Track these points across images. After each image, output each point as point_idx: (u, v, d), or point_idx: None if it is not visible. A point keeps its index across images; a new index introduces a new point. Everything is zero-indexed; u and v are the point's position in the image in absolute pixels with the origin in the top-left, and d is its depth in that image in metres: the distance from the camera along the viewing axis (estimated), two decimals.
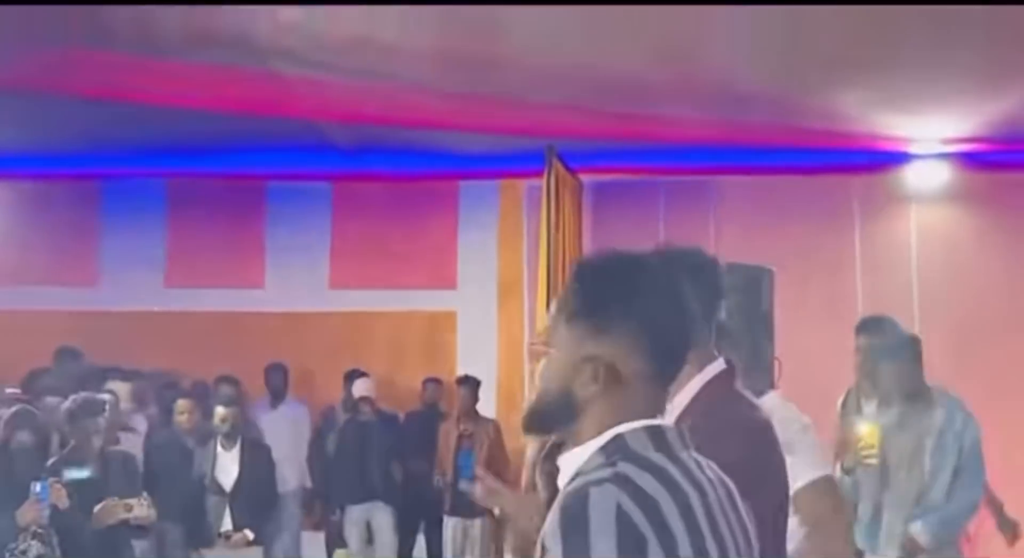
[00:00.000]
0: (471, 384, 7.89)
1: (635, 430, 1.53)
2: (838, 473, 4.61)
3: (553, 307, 1.61)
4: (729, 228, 7.92)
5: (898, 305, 7.03)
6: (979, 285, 7.66)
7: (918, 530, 4.63)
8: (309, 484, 7.94)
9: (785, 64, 5.92)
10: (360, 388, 7.75)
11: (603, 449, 1.52)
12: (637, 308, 1.54)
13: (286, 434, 7.62)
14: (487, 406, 8.39)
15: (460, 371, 8.48)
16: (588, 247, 7.92)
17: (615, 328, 1.53)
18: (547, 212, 6.70)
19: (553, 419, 1.59)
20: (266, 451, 6.34)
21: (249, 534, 5.95)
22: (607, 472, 1.47)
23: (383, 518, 7.60)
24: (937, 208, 7.89)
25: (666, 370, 1.58)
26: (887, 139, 7.26)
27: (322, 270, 8.72)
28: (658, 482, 1.46)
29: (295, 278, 8.64)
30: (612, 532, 1.40)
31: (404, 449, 7.81)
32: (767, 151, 7.46)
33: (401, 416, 8.07)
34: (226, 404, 6.18)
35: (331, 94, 6.52)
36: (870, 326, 5.08)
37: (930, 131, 7.13)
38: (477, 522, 7.55)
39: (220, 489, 5.98)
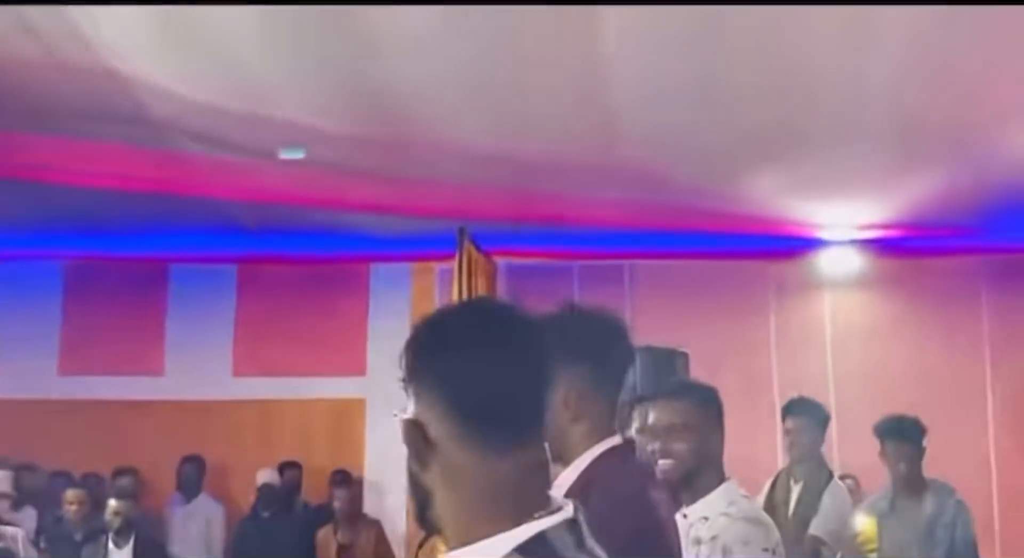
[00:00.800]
0: (348, 482, 7.65)
1: (557, 525, 1.28)
2: None
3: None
4: (644, 311, 7.97)
5: (814, 388, 7.11)
6: (893, 368, 7.80)
7: None
8: None
9: (700, 148, 6.03)
10: (264, 476, 7.60)
11: (522, 552, 1.26)
12: (451, 359, 1.31)
13: (197, 532, 7.38)
14: (398, 511, 8.22)
15: (369, 463, 8.33)
16: None
17: (427, 383, 1.32)
18: (458, 295, 6.68)
19: (419, 509, 1.35)
20: (160, 551, 6.12)
21: None
22: None
23: None
24: (850, 292, 8.05)
25: (497, 440, 1.30)
26: (800, 225, 7.42)
27: (225, 356, 8.54)
28: None
29: (197, 365, 8.44)
30: None
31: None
32: (682, 235, 7.56)
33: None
34: (119, 497, 5.97)
35: (235, 173, 6.47)
36: (797, 408, 5.14)
37: (842, 217, 7.30)
38: None
39: None
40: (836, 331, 8.05)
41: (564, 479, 2.05)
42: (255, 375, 8.42)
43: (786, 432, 5.13)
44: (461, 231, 6.67)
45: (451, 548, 1.32)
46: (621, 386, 2.19)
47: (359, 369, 8.48)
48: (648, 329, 7.74)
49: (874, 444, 7.04)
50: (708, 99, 5.33)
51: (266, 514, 7.26)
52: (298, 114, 5.52)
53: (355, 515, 7.69)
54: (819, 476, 5.08)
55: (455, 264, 6.75)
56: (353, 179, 6.52)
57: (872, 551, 4.73)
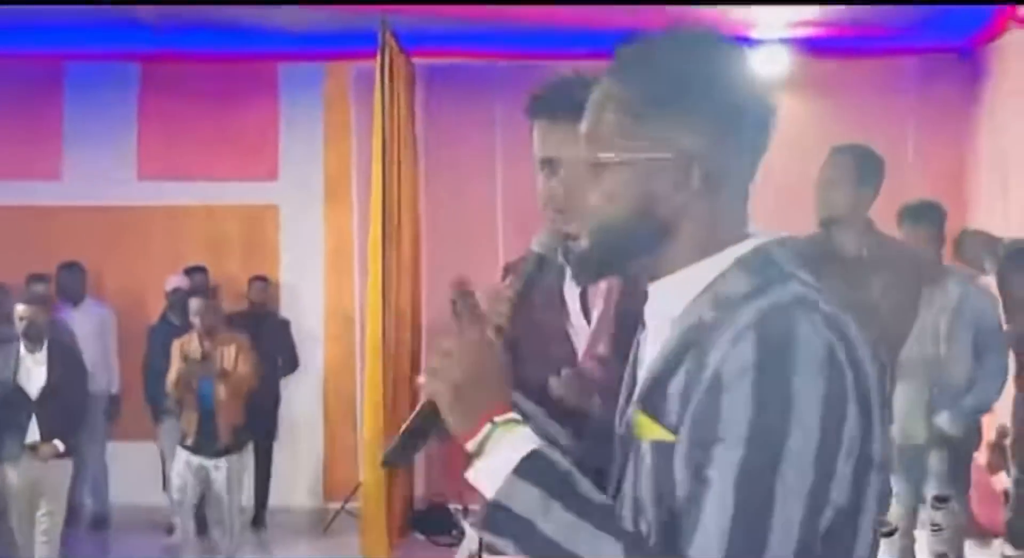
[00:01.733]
0: (266, 285, 7.82)
1: (775, 240, 1.32)
2: None
3: (595, 108, 1.34)
4: None
5: None
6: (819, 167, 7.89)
7: (946, 422, 4.81)
8: (115, 390, 7.71)
9: None
10: (173, 282, 7.57)
11: (743, 264, 1.29)
12: (732, 90, 1.30)
13: (90, 337, 7.34)
14: (314, 314, 8.27)
15: (284, 271, 8.31)
16: (422, 134, 7.81)
17: (706, 115, 1.29)
18: (381, 95, 6.53)
19: (629, 248, 1.32)
20: (76, 355, 6.09)
21: (59, 445, 5.72)
22: (789, 294, 1.23)
23: None
24: (780, 93, 8.05)
25: (753, 162, 1.34)
26: (732, 23, 7.35)
27: (129, 159, 8.31)
28: (840, 312, 1.24)
29: (98, 168, 8.21)
30: (820, 378, 1.17)
31: None
32: (611, 34, 7.43)
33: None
34: (28, 302, 5.87)
35: None
36: None
37: (774, 15, 7.25)
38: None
39: (25, 396, 5.71)
40: None
41: None
42: (161, 178, 8.23)
43: None
44: (383, 24, 6.45)
45: (657, 278, 1.33)
46: None
47: (271, 174, 8.34)
48: None
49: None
50: None
51: (176, 321, 7.24)
52: None
53: (267, 314, 7.81)
54: None
55: (377, 61, 6.56)
56: None
57: None
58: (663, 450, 1.23)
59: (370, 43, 6.91)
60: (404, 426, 1.44)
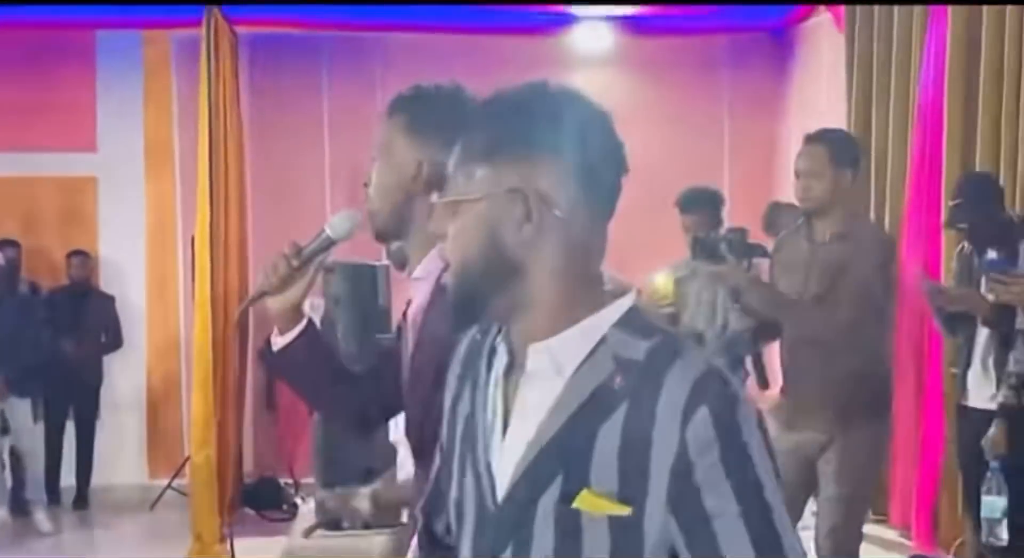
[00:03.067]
0: (85, 259, 7.75)
1: (639, 299, 1.40)
2: None
3: (456, 154, 1.41)
4: (395, 86, 7.95)
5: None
6: (640, 145, 8.17)
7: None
8: None
9: None
10: None
11: (627, 326, 1.36)
12: (561, 130, 1.36)
13: None
14: (136, 289, 8.14)
15: (104, 245, 8.14)
16: (247, 107, 7.75)
17: (537, 151, 1.35)
18: (207, 66, 6.47)
19: (485, 286, 1.37)
20: None
21: None
22: (701, 361, 1.33)
23: (22, 407, 7.24)
24: (602, 70, 8.31)
25: (604, 205, 1.39)
26: (553, 2, 7.54)
27: None
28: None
29: None
30: (758, 433, 1.32)
31: (56, 328, 7.46)
32: (436, 8, 7.53)
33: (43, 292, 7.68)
34: None
35: None
36: None
37: None
38: None
39: None
40: None
41: None
42: None
43: None
44: None
45: (532, 335, 1.37)
46: None
47: (89, 145, 8.15)
48: None
49: (623, 217, 7.47)
50: None
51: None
52: None
53: (89, 290, 7.74)
54: None
55: (202, 31, 6.48)
56: None
57: (668, 305, 5.16)
58: (618, 522, 1.31)
59: (191, 11, 6.82)
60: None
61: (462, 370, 1.50)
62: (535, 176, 1.34)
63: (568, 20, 7.94)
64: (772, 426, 4.34)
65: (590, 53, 8.18)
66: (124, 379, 8.08)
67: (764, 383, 5.24)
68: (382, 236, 2.15)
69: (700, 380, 1.30)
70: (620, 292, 1.39)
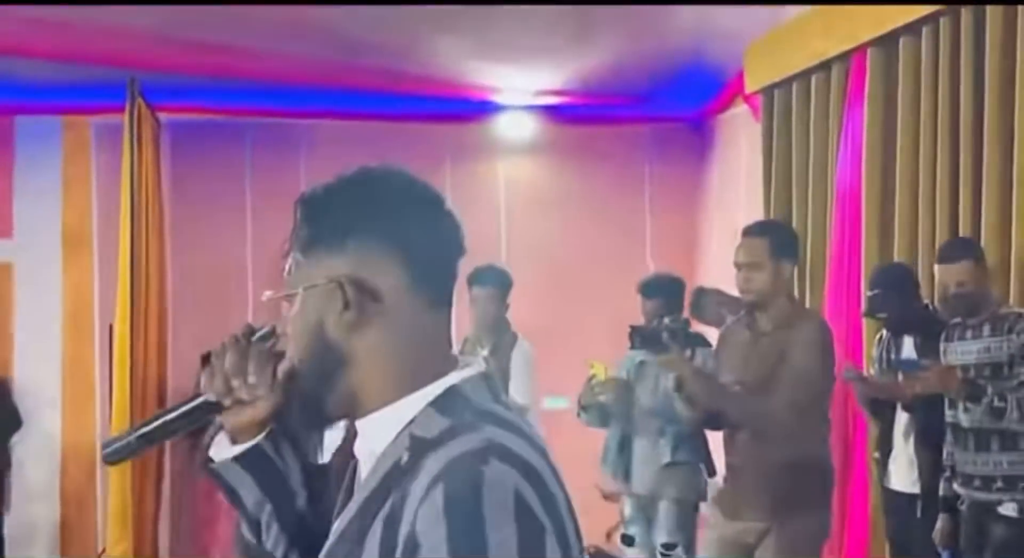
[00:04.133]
0: None
1: (471, 378, 1.33)
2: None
3: (289, 253, 1.39)
4: (319, 174, 7.87)
5: (487, 250, 7.43)
6: (562, 233, 8.21)
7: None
8: None
9: (384, 7, 5.99)
10: None
11: (437, 406, 1.29)
12: (382, 215, 1.33)
13: None
14: (51, 375, 7.89)
15: (19, 330, 7.90)
16: (169, 192, 7.63)
17: (356, 239, 1.32)
18: (130, 152, 6.36)
19: (320, 380, 1.33)
20: None
21: None
22: (477, 440, 1.22)
23: None
24: (524, 158, 8.34)
25: (437, 289, 1.35)
26: (478, 89, 7.57)
27: None
28: (531, 449, 1.25)
29: None
30: (512, 524, 1.16)
31: None
32: (360, 95, 7.52)
33: None
34: None
35: None
36: (483, 276, 5.32)
37: (519, 82, 7.52)
38: None
39: None
40: (510, 197, 8.34)
41: None
42: None
43: (472, 300, 5.33)
44: (132, 81, 6.31)
45: (357, 416, 1.35)
46: None
47: (5, 232, 7.94)
48: None
49: (543, 303, 7.50)
50: None
51: None
52: None
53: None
54: (505, 339, 5.38)
55: (125, 117, 6.39)
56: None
57: (601, 394, 5.10)
58: None
59: (112, 96, 6.72)
60: (160, 419, 1.49)
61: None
62: (354, 264, 1.31)
63: (492, 108, 7.98)
64: (714, 514, 4.29)
65: (514, 141, 8.21)
66: (37, 468, 7.77)
67: (711, 471, 5.21)
68: None
69: (463, 455, 1.19)
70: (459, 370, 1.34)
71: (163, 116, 7.31)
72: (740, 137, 7.54)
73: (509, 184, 8.38)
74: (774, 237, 4.04)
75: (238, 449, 1.49)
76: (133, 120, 6.37)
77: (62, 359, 7.97)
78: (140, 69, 6.43)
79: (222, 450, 1.50)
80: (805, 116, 6.16)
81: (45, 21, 5.96)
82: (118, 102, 6.61)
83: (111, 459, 1.49)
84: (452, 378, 1.32)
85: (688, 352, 4.28)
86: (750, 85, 6.63)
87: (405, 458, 1.25)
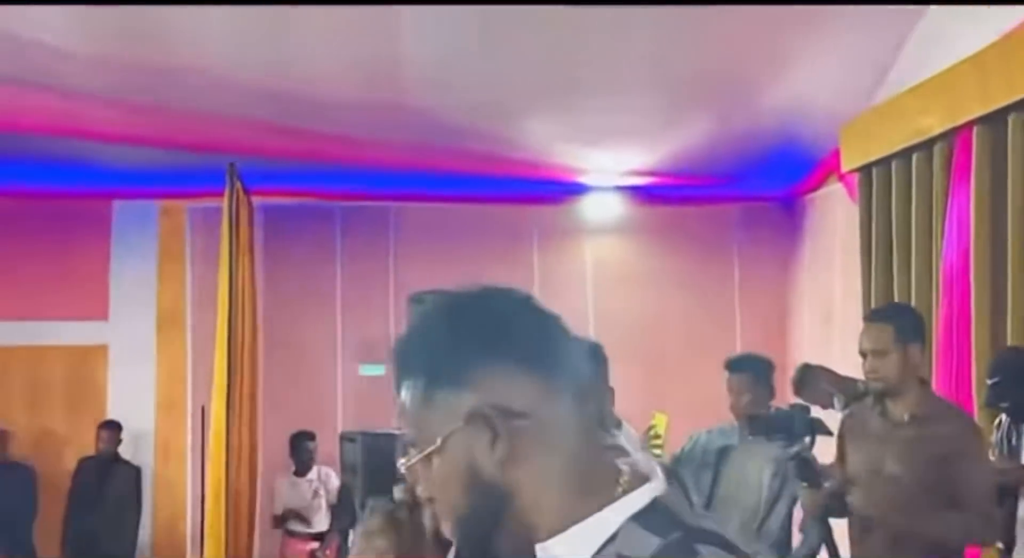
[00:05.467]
0: (115, 428, 7.43)
1: (669, 490, 1.21)
2: None
3: (402, 400, 1.24)
4: (407, 257, 7.89)
5: (574, 331, 7.28)
6: (650, 313, 8.05)
7: None
8: None
9: (474, 92, 5.98)
10: None
11: (641, 521, 1.17)
12: (497, 334, 1.21)
13: None
14: (143, 454, 7.86)
15: (112, 413, 7.90)
16: (262, 274, 7.63)
17: (481, 369, 1.19)
18: (228, 236, 6.36)
19: (485, 526, 1.20)
20: None
21: None
22: None
23: None
24: (612, 238, 8.23)
25: (574, 388, 1.23)
26: (566, 170, 7.50)
27: None
28: None
29: None
30: None
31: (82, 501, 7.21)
32: (448, 178, 7.48)
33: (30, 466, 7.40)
34: None
35: None
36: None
37: (606, 164, 7.43)
38: None
39: None
40: (597, 277, 8.21)
41: None
42: None
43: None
44: (231, 167, 6.32)
45: (537, 540, 1.20)
46: None
47: (101, 314, 7.98)
48: (410, 275, 7.73)
49: (633, 385, 7.32)
50: (486, 46, 5.31)
51: None
52: (41, 31, 5.06)
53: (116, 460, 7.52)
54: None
55: (224, 202, 6.40)
56: (98, 105, 6.05)
57: (657, 447, 4.90)
58: None
59: (206, 181, 6.75)
60: None
61: None
62: (487, 393, 1.18)
63: (580, 189, 7.89)
64: None
65: (601, 221, 8.11)
66: None
67: None
68: None
69: None
70: (639, 481, 1.21)
71: (256, 199, 7.34)
72: (835, 216, 7.34)
73: (597, 264, 8.26)
74: (900, 321, 3.82)
75: None
76: (231, 204, 6.37)
77: (155, 439, 7.95)
78: (235, 154, 6.45)
79: None
80: (906, 195, 5.95)
81: (145, 108, 6.01)
82: (213, 186, 6.63)
83: None
84: (650, 489, 1.19)
85: (807, 439, 4.06)
86: (846, 164, 6.46)
87: None
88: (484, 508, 1.19)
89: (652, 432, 4.98)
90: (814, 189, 7.68)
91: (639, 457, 1.25)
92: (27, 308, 7.78)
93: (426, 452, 1.21)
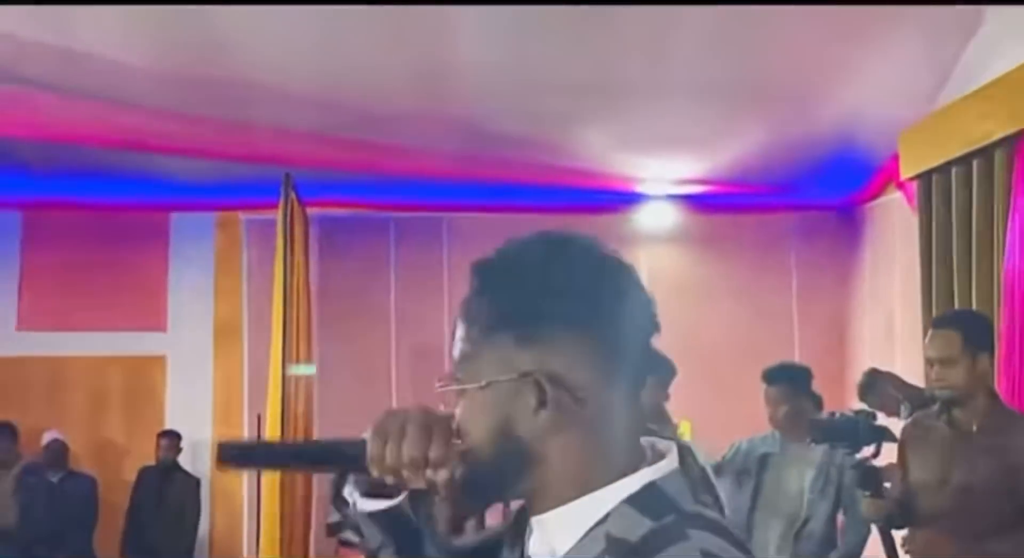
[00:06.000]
0: (174, 438, 7.49)
1: (670, 474, 1.17)
2: None
3: (460, 331, 1.21)
4: (461, 267, 7.86)
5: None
6: (706, 322, 7.97)
7: None
8: None
9: (526, 100, 5.97)
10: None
11: (635, 504, 1.14)
12: (574, 298, 1.15)
13: None
14: (200, 464, 7.93)
15: (169, 423, 7.97)
16: (316, 285, 7.67)
17: (549, 325, 1.14)
18: (283, 247, 6.40)
19: (497, 480, 1.17)
20: None
21: None
22: (691, 549, 1.08)
23: None
24: (667, 247, 8.16)
25: (632, 376, 1.18)
26: (621, 179, 7.45)
27: (9, 309, 7.98)
28: (741, 553, 1.11)
29: None
30: None
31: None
32: (502, 188, 7.48)
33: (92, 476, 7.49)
34: None
35: (27, 109, 5.98)
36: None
37: (662, 172, 7.38)
38: None
39: None
40: (652, 286, 8.05)
41: None
42: (43, 330, 7.89)
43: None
44: (286, 178, 6.37)
45: (534, 512, 1.18)
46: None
47: (160, 325, 8.08)
48: (464, 285, 7.67)
49: (689, 395, 7.24)
50: (538, 53, 5.29)
51: (55, 476, 6.93)
52: (99, 44, 5.12)
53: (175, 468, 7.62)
54: (665, 431, 5.18)
55: (279, 213, 6.45)
56: (155, 118, 6.12)
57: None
58: None
59: (261, 193, 6.81)
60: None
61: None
62: (548, 355, 1.14)
63: (634, 199, 7.84)
64: None
65: (656, 230, 8.05)
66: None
67: None
68: None
69: None
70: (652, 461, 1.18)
71: (311, 210, 7.38)
72: (894, 224, 7.22)
73: (652, 273, 8.18)
74: (968, 328, 3.69)
75: (379, 505, 1.28)
76: (286, 215, 6.42)
77: (212, 448, 8.01)
78: (289, 166, 6.49)
79: (357, 499, 1.30)
80: (967, 202, 5.83)
81: (201, 120, 6.07)
82: (267, 198, 6.67)
83: (226, 457, 1.28)
84: (649, 473, 1.16)
85: (873, 447, 3.97)
86: (905, 171, 6.34)
87: None
88: (502, 462, 1.16)
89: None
90: (873, 197, 7.57)
91: (659, 442, 1.21)
92: (88, 319, 7.90)
93: (471, 387, 1.17)
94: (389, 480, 1.21)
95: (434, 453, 1.16)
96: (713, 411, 7.40)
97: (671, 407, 5.43)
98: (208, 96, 5.72)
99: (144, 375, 8.04)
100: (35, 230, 8.05)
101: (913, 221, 6.46)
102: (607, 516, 1.13)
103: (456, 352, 1.20)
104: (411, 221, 8.04)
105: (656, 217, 7.99)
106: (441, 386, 1.21)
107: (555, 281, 1.15)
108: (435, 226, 8.03)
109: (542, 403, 1.13)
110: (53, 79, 5.53)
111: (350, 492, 1.31)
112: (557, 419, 1.14)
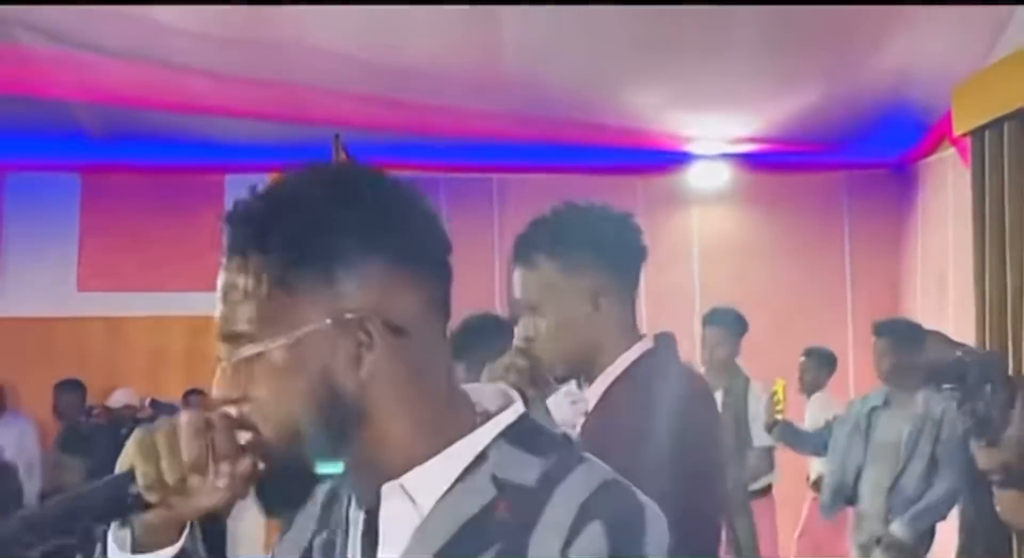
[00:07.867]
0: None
1: (534, 407, 1.13)
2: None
3: (233, 292, 1.11)
4: (512, 227, 7.92)
5: (681, 302, 7.30)
6: (758, 281, 7.98)
7: (898, 530, 4.77)
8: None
9: (576, 61, 5.99)
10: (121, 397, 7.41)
11: (513, 438, 1.07)
12: (363, 229, 1.05)
13: (11, 450, 7.09)
14: None
15: None
16: None
17: (345, 268, 1.04)
18: None
19: (323, 446, 1.05)
20: (11, 470, 5.89)
21: None
22: (603, 471, 1.06)
23: None
24: (719, 206, 8.17)
25: (442, 309, 1.10)
26: (671, 138, 7.46)
27: (69, 271, 8.19)
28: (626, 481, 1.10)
29: (38, 279, 8.06)
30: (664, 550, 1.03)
31: None
32: (552, 148, 7.52)
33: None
34: None
35: (83, 73, 6.12)
36: (716, 318, 5.43)
37: (712, 131, 7.38)
38: None
39: None
40: (704, 246, 8.17)
41: (593, 391, 1.98)
42: (103, 290, 8.09)
43: (704, 341, 5.29)
44: (336, 139, 6.46)
45: (387, 475, 1.06)
46: (637, 283, 2.12)
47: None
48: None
49: (742, 355, 7.29)
50: (589, 12, 5.31)
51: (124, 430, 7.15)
52: (155, 9, 5.23)
53: None
54: (737, 382, 5.29)
55: None
56: (210, 81, 6.24)
57: (779, 412, 5.09)
58: None
59: (314, 154, 6.89)
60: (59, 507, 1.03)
61: (317, 526, 1.15)
62: (365, 290, 1.03)
63: (685, 158, 7.85)
64: None
65: (708, 190, 8.05)
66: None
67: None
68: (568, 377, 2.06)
69: (596, 492, 1.01)
70: (504, 406, 1.10)
71: None
72: (947, 182, 7.18)
73: (704, 233, 8.21)
74: None
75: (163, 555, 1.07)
76: None
77: None
78: (340, 127, 6.57)
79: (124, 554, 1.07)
80: (1020, 158, 5.80)
81: (254, 83, 6.17)
82: (320, 159, 6.76)
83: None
84: (514, 411, 1.09)
85: (988, 387, 3.96)
86: (958, 127, 6.30)
87: (502, 509, 1.03)
88: (325, 430, 1.04)
89: (775, 398, 5.06)
90: (927, 154, 7.52)
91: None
92: (149, 279, 8.07)
93: (273, 345, 1.03)
94: (174, 502, 1.03)
95: (218, 444, 1.02)
96: (761, 372, 7.42)
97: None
98: (260, 58, 5.82)
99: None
100: (93, 193, 8.22)
101: (967, 178, 6.43)
102: (484, 454, 1.06)
103: (244, 314, 1.07)
104: (461, 182, 8.11)
105: (708, 176, 8.00)
106: (233, 358, 1.06)
107: (349, 204, 1.06)
108: (485, 187, 8.10)
109: (366, 348, 1.02)
110: (111, 43, 5.66)
111: (113, 553, 1.07)
112: (381, 365, 1.03)
